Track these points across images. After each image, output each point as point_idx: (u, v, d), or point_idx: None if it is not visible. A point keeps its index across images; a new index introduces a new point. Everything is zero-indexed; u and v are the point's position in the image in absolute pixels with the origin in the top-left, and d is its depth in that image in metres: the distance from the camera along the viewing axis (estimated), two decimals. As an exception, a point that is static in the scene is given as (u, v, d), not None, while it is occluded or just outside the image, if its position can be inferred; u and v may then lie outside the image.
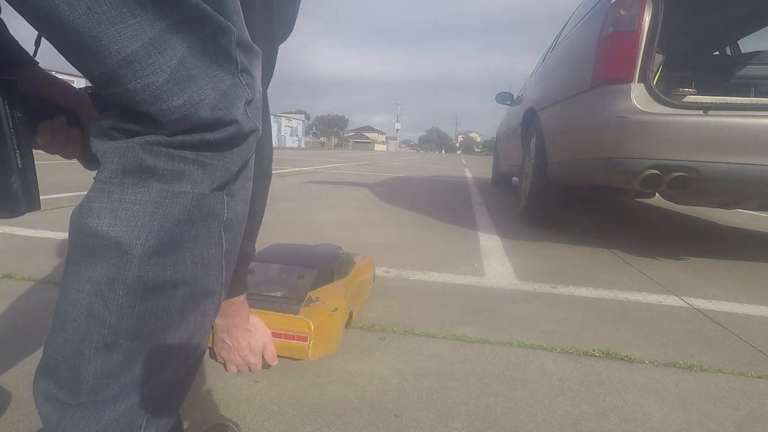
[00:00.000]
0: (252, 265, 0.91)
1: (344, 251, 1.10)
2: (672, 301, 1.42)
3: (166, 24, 0.33)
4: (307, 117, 68.55)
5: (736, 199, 2.01)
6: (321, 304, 0.83)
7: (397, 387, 0.82)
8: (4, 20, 0.48)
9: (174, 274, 0.38)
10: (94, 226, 0.36)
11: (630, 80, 1.69)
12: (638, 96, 1.68)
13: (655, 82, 1.72)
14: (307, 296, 0.84)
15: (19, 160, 0.44)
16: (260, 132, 0.42)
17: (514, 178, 4.90)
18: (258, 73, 0.42)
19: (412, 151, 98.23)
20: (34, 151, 0.48)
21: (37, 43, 0.46)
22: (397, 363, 0.91)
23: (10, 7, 0.33)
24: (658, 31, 1.67)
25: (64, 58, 0.34)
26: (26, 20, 0.33)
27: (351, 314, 0.98)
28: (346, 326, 0.93)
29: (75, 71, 0.35)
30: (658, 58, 1.80)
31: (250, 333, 0.66)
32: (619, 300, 1.40)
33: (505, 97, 4.54)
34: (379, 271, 1.52)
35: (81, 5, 0.30)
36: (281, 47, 0.57)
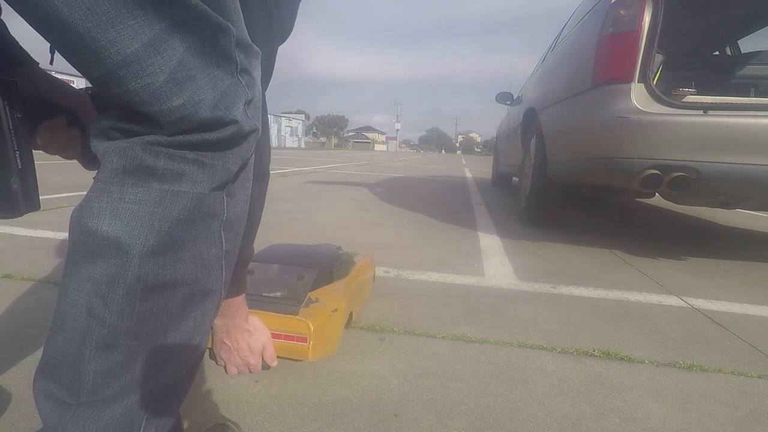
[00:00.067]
0: (251, 265, 0.91)
1: (344, 251, 1.10)
2: (672, 301, 1.42)
3: (166, 25, 0.33)
4: (307, 117, 68.55)
5: (736, 199, 2.01)
6: (321, 304, 0.83)
7: (397, 387, 0.82)
8: (4, 21, 0.48)
9: (174, 273, 0.38)
10: (94, 226, 0.36)
11: (630, 80, 1.69)
12: (638, 96, 1.68)
13: (655, 82, 1.72)
14: (307, 297, 0.84)
15: (18, 160, 0.44)
16: (260, 132, 0.43)
17: (514, 178, 4.91)
18: (258, 74, 0.42)
19: (412, 151, 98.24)
20: (34, 152, 0.48)
21: (52, 51, 0.46)
22: (397, 363, 0.91)
23: (11, 8, 0.33)
24: (658, 31, 1.67)
25: (63, 58, 0.34)
26: (26, 21, 0.33)
27: (351, 314, 0.98)
28: (346, 326, 0.93)
29: (75, 71, 0.35)
30: (658, 58, 1.80)
31: (249, 333, 0.66)
32: (619, 300, 1.40)
33: (505, 97, 4.54)
34: (379, 271, 1.52)
35: (81, 6, 0.30)
36: (281, 47, 0.57)
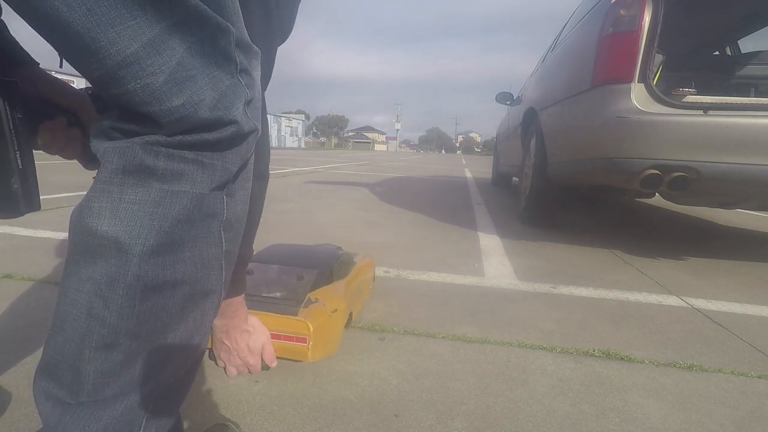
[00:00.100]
0: (251, 265, 0.91)
1: (344, 251, 1.10)
2: (672, 301, 1.42)
3: (165, 25, 0.33)
4: (307, 117, 68.56)
5: (736, 199, 2.01)
6: (320, 305, 0.83)
7: (397, 387, 0.82)
8: (5, 21, 0.48)
9: (174, 273, 0.38)
10: (93, 226, 0.36)
11: (630, 80, 1.69)
12: (638, 96, 1.68)
13: (655, 82, 1.72)
14: (307, 297, 0.84)
15: (19, 160, 0.44)
16: (259, 132, 0.43)
17: (514, 178, 4.91)
18: (257, 74, 0.42)
19: (412, 151, 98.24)
20: (35, 152, 0.49)
21: (61, 62, 0.46)
22: (397, 363, 0.91)
23: (10, 8, 0.33)
24: (658, 31, 1.67)
25: (63, 59, 0.34)
26: (26, 22, 0.33)
27: (351, 314, 0.98)
28: (346, 326, 0.93)
29: (75, 71, 0.35)
30: (658, 58, 1.80)
31: (248, 334, 0.66)
32: (619, 300, 1.40)
33: (505, 97, 4.54)
34: (379, 271, 1.52)
35: (80, 7, 0.30)
36: (281, 47, 0.57)
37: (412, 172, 7.92)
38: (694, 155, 1.64)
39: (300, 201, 3.29)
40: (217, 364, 0.68)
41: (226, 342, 0.65)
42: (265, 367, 0.68)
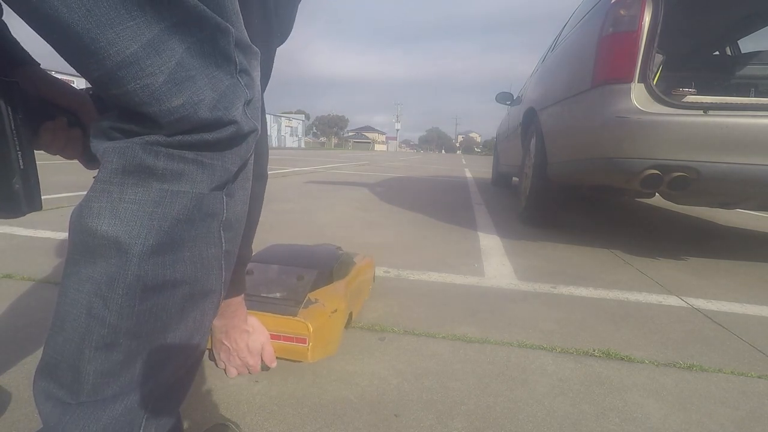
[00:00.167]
0: (251, 266, 0.91)
1: (344, 251, 1.10)
2: (672, 301, 1.42)
3: (165, 26, 0.33)
4: (307, 117, 68.54)
5: (736, 199, 2.01)
6: (320, 305, 0.83)
7: (397, 387, 0.82)
8: (5, 22, 0.48)
9: (173, 273, 0.38)
10: (93, 226, 0.36)
11: (630, 80, 1.69)
12: (638, 96, 1.68)
13: (655, 82, 1.72)
14: (307, 297, 0.84)
15: (20, 161, 0.44)
16: (259, 132, 0.43)
17: (514, 178, 4.91)
18: (257, 74, 0.42)
19: (412, 151, 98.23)
20: (35, 151, 0.49)
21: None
22: (397, 363, 0.91)
23: (10, 9, 0.33)
24: (658, 31, 1.67)
25: (63, 59, 0.34)
26: (26, 22, 0.33)
27: (351, 314, 0.98)
28: (346, 326, 0.93)
29: (75, 71, 0.35)
30: (658, 58, 1.80)
31: (248, 334, 0.66)
32: (619, 300, 1.40)
33: (505, 97, 4.54)
34: (379, 271, 1.52)
35: (80, 7, 0.30)
36: (281, 48, 0.57)
37: (412, 172, 7.92)
38: (694, 155, 1.64)
39: (300, 201, 3.29)
40: (217, 365, 0.68)
41: (226, 342, 0.65)
42: (264, 367, 0.68)
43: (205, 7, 0.35)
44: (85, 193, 0.38)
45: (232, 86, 0.38)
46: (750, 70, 2.80)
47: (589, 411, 0.78)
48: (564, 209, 2.67)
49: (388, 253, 1.81)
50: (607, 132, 1.77)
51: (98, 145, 0.37)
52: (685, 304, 1.39)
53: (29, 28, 0.33)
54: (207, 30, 0.35)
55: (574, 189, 2.47)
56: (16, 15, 0.34)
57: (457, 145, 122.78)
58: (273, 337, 0.73)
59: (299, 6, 0.58)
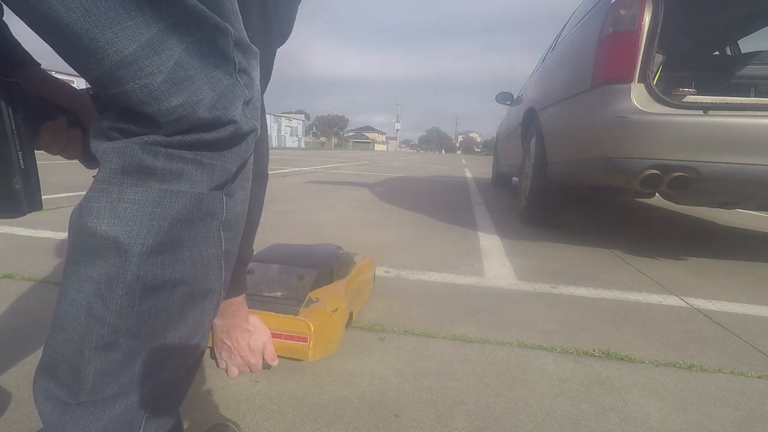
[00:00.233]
0: (252, 265, 0.91)
1: (344, 251, 1.10)
2: (672, 301, 1.42)
3: (164, 25, 0.33)
4: (307, 117, 68.54)
5: (736, 199, 2.01)
6: (321, 304, 0.83)
7: (397, 387, 0.82)
8: (6, 22, 0.48)
9: (173, 273, 0.38)
10: (93, 226, 0.36)
11: (630, 80, 1.69)
12: (638, 96, 1.68)
13: (655, 82, 1.72)
14: (307, 297, 0.84)
15: (21, 161, 0.44)
16: (258, 132, 0.43)
17: (514, 178, 4.90)
18: (256, 74, 0.42)
19: (412, 151, 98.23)
20: (36, 151, 0.49)
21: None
22: (397, 363, 0.91)
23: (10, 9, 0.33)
24: (658, 31, 1.67)
25: (62, 59, 0.34)
26: (25, 22, 0.33)
27: (351, 314, 0.98)
28: (346, 326, 0.93)
29: (75, 71, 0.35)
30: (658, 58, 1.80)
31: (249, 333, 0.66)
32: (619, 300, 1.40)
33: (505, 97, 4.54)
34: (379, 271, 1.52)
35: (78, 8, 0.30)
36: (281, 48, 0.57)
37: (412, 172, 7.92)
38: (694, 155, 1.64)
39: (300, 201, 3.29)
40: (218, 365, 0.68)
41: (227, 342, 0.65)
42: (266, 366, 0.69)
43: (203, 7, 0.35)
44: (85, 193, 0.38)
45: (231, 86, 0.38)
46: (750, 70, 2.80)
47: (589, 411, 0.78)
48: (564, 209, 2.67)
49: (388, 253, 1.81)
50: (607, 132, 1.77)
51: (98, 145, 0.37)
52: (685, 304, 1.39)
53: (29, 28, 0.34)
54: (206, 30, 0.35)
55: (574, 189, 2.47)
56: (16, 15, 0.34)
57: (457, 145, 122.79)
58: (274, 335, 0.73)
59: (299, 6, 0.58)
